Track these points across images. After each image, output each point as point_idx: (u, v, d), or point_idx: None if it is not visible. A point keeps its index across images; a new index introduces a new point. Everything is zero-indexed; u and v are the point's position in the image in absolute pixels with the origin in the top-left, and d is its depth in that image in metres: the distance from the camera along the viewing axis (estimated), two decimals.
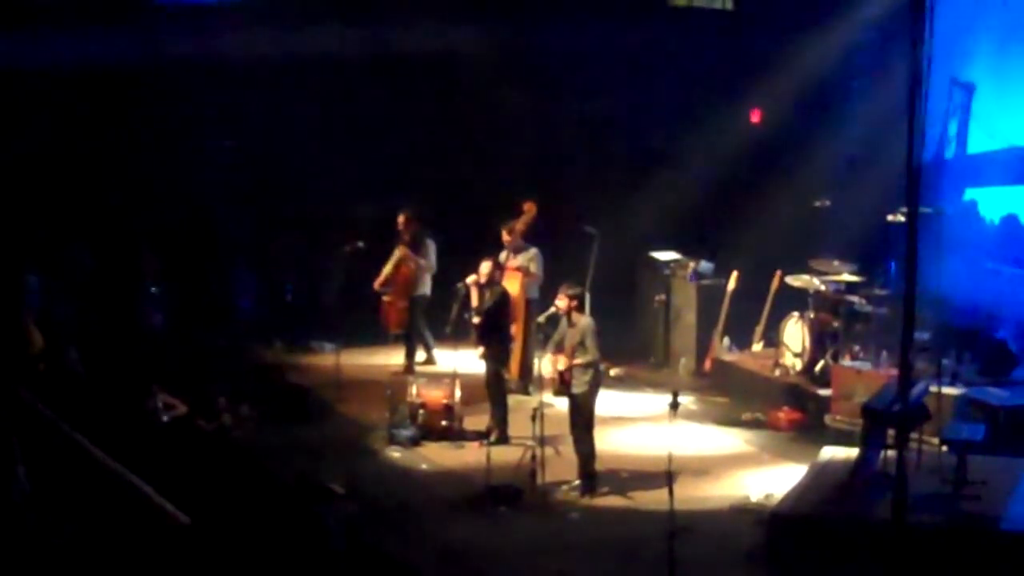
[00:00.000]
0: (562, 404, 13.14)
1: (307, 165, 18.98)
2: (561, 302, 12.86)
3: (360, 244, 16.53)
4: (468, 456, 13.76)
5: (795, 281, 16.16)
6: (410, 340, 16.90)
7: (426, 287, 16.82)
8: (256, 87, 18.29)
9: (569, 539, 11.68)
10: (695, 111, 19.05)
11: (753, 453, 14.26)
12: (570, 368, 12.65)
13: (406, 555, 11.12)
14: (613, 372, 16.57)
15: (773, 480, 12.82)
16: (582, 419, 12.76)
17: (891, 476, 9.97)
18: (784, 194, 18.10)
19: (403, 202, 17.06)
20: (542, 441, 12.55)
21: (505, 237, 16.04)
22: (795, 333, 15.95)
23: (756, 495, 12.47)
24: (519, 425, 13.69)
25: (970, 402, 13.61)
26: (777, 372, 16.11)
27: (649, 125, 19.38)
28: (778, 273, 16.57)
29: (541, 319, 13.52)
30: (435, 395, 14.41)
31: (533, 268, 16.00)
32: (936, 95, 15.66)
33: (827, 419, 14.67)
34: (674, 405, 10.91)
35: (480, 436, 14.15)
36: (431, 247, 16.84)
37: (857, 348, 15.44)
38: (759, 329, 16.99)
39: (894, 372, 11.50)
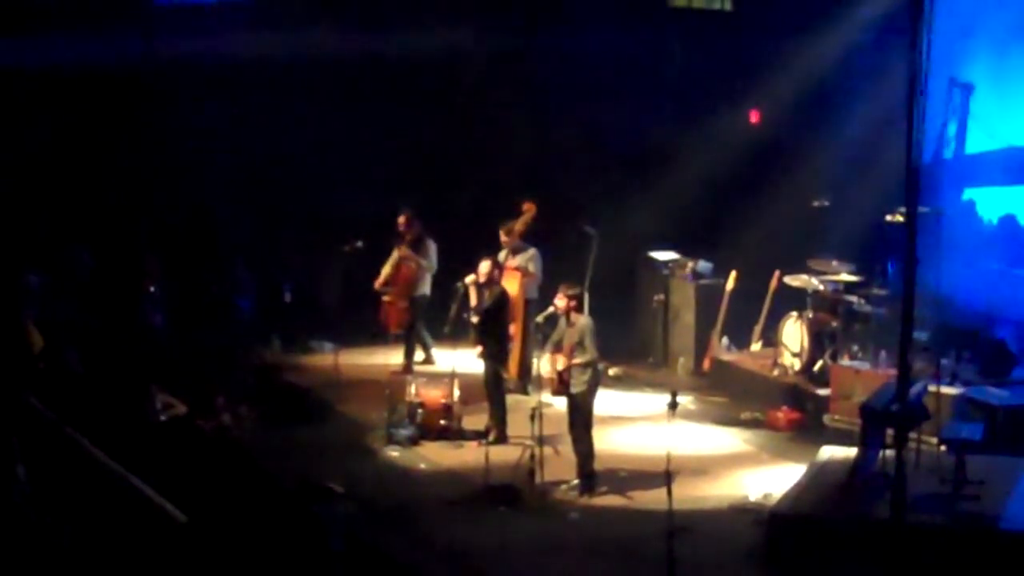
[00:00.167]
0: (561, 404, 13.14)
1: (306, 165, 18.99)
2: (560, 302, 12.87)
3: (359, 244, 16.54)
4: (467, 455, 13.76)
5: (794, 281, 16.17)
6: (409, 340, 16.91)
7: (426, 287, 16.83)
8: (256, 88, 18.29)
9: (568, 539, 11.68)
10: (694, 112, 19.05)
11: (752, 453, 14.27)
12: (569, 368, 12.66)
13: (405, 554, 11.14)
14: (612, 372, 16.59)
15: (772, 480, 12.83)
16: (581, 419, 12.77)
17: (890, 476, 9.99)
18: (783, 194, 18.10)
19: (402, 202, 17.07)
20: (541, 441, 12.56)
21: (504, 237, 16.05)
22: (794, 333, 15.96)
23: (755, 495, 12.48)
24: (518, 425, 13.70)
25: (969, 402, 13.62)
26: (776, 372, 16.12)
27: (648, 125, 19.38)
28: (777, 273, 16.58)
29: (540, 319, 13.52)
30: (434, 395, 14.41)
31: (532, 268, 16.00)
32: (935, 96, 15.66)
33: (826, 419, 14.69)
34: (673, 405, 10.92)
35: (479, 436, 14.15)
36: (432, 247, 16.85)
37: (856, 348, 15.46)
38: (758, 329, 17.00)
39: (893, 372, 11.50)
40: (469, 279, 14.65)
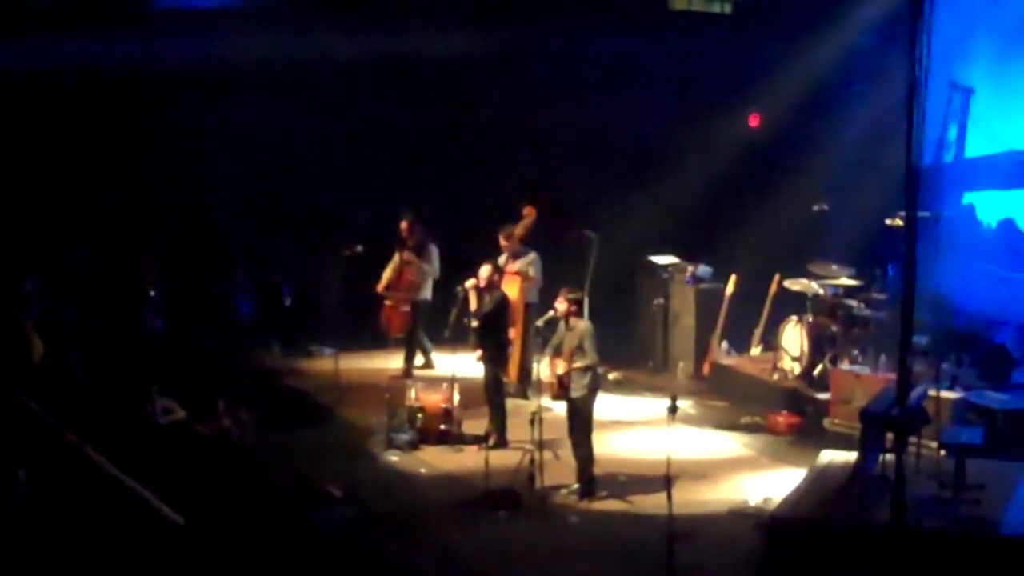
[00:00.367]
0: (561, 408, 13.14)
1: (306, 168, 18.98)
2: (560, 306, 12.87)
3: (359, 248, 16.55)
4: (467, 460, 13.74)
5: (794, 285, 16.17)
6: (410, 344, 16.92)
7: (428, 292, 16.84)
8: (255, 91, 18.28)
9: (568, 543, 11.67)
10: (694, 115, 19.06)
11: (752, 457, 14.26)
12: (569, 372, 12.66)
13: (404, 559, 11.12)
14: (612, 376, 16.59)
15: (772, 484, 12.82)
16: (581, 423, 12.76)
17: (890, 480, 10.00)
18: (783, 198, 18.11)
19: (403, 207, 17.08)
20: (541, 445, 12.54)
21: (504, 241, 16.05)
22: (794, 337, 15.96)
23: (755, 499, 12.47)
24: (518, 429, 13.70)
25: (969, 406, 13.61)
26: (776, 376, 16.11)
27: (648, 129, 19.37)
28: (777, 277, 16.58)
29: (540, 323, 13.52)
30: (434, 399, 14.40)
31: (532, 272, 16.01)
32: (935, 99, 15.66)
33: (826, 423, 14.68)
34: (673, 409, 10.91)
35: (479, 440, 14.15)
36: (434, 252, 16.87)
37: (856, 352, 15.45)
38: (757, 333, 17.00)
39: (893, 376, 11.49)
40: (469, 283, 14.65)
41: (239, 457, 12.61)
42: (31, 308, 14.43)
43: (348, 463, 13.54)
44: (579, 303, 13.14)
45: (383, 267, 16.95)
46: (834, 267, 15.92)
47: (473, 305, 14.63)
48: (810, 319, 15.79)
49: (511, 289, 15.46)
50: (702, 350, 17.34)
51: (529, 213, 16.24)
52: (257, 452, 13.29)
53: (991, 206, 17.94)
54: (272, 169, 18.93)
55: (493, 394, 14.31)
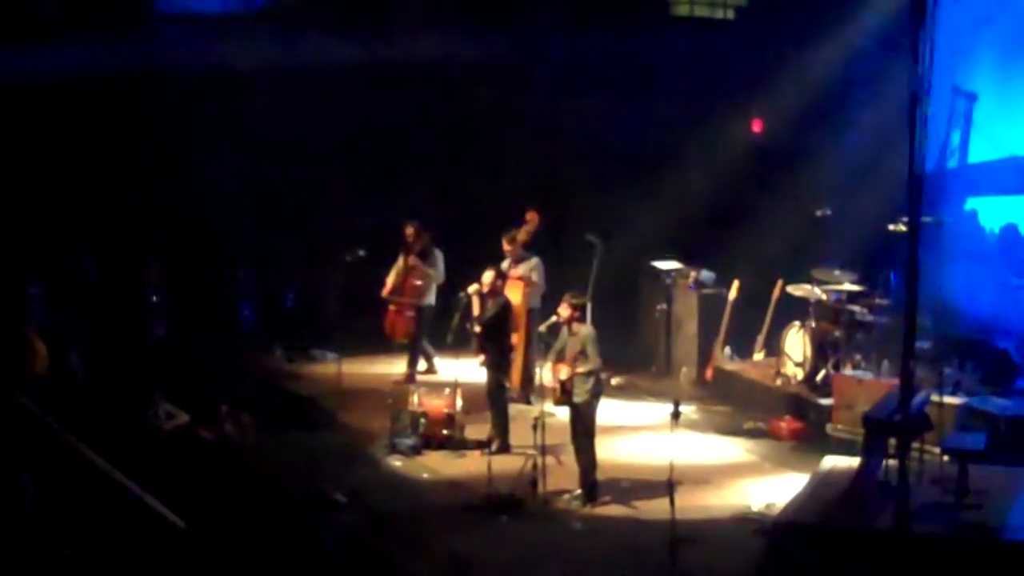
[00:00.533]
0: (563, 413, 13.13)
1: (309, 173, 18.99)
2: (563, 311, 12.86)
3: (361, 252, 16.55)
4: (469, 465, 13.74)
5: (796, 290, 16.16)
6: (413, 349, 16.91)
7: (432, 297, 16.85)
8: (258, 96, 18.30)
9: (570, 548, 11.66)
10: (696, 120, 19.05)
11: (754, 462, 14.25)
12: (571, 377, 12.64)
13: (407, 564, 11.12)
14: (614, 381, 16.57)
15: (774, 489, 12.81)
16: (583, 428, 12.75)
17: (893, 486, 10.00)
18: (785, 203, 18.09)
19: (404, 211, 17.09)
20: (543, 450, 12.55)
21: (506, 246, 16.04)
22: (796, 342, 15.95)
23: (757, 504, 12.46)
24: (520, 434, 13.67)
25: (972, 412, 13.61)
26: (778, 381, 16.10)
27: (651, 134, 19.38)
28: (779, 282, 16.56)
29: (543, 328, 13.51)
30: (436, 404, 14.39)
31: (535, 277, 16.00)
32: (938, 105, 15.67)
33: (828, 428, 14.66)
34: (675, 414, 10.92)
35: (481, 445, 14.13)
36: (439, 258, 16.87)
37: (858, 357, 15.45)
38: (760, 338, 16.98)
39: (895, 381, 11.49)
40: (472, 289, 14.64)
41: (241, 462, 12.63)
42: (34, 313, 14.45)
43: (350, 468, 13.54)
44: (582, 308, 13.15)
45: (386, 272, 16.95)
46: (837, 272, 15.90)
47: (476, 310, 14.63)
48: (813, 324, 15.78)
49: (514, 294, 15.45)
50: (705, 355, 17.32)
51: (532, 218, 16.23)
52: (259, 457, 13.29)
53: (994, 212, 17.93)
54: (275, 173, 18.95)
55: (496, 399, 14.31)
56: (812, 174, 18.28)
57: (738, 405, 16.14)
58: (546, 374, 13.26)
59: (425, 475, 13.64)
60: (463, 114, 19.43)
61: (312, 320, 18.79)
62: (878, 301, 15.67)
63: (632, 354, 18.07)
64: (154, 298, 17.08)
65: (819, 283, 15.97)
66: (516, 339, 15.40)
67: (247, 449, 13.69)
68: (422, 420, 14.26)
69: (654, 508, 11.99)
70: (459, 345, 14.55)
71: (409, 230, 16.86)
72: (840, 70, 18.43)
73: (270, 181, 18.93)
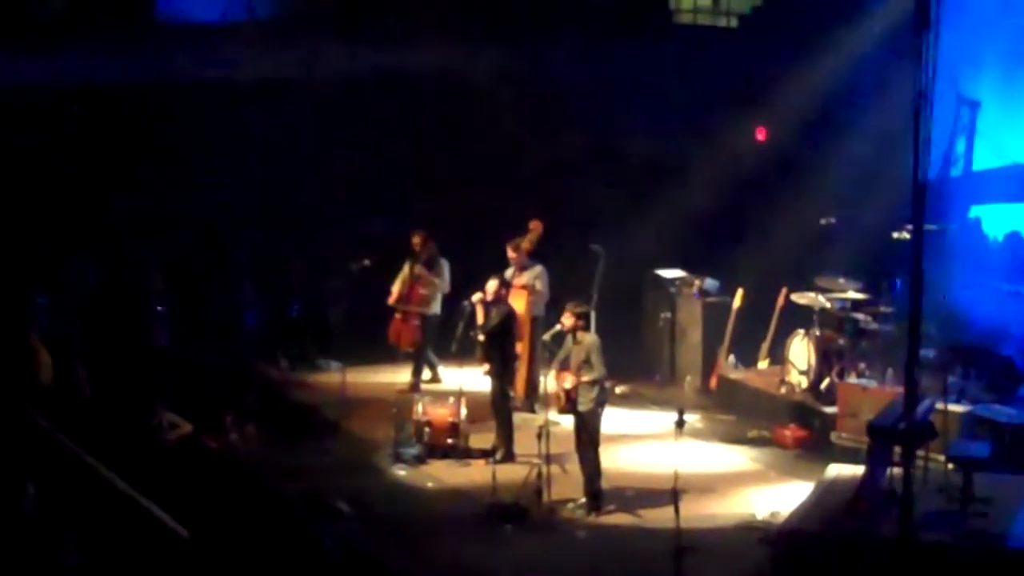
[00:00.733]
0: (568, 422, 13.15)
1: (314, 181, 19.00)
2: (567, 320, 12.85)
3: (366, 262, 16.57)
4: (474, 474, 13.73)
5: (801, 298, 16.15)
6: (418, 358, 16.92)
7: (437, 306, 16.85)
8: (262, 105, 18.31)
9: (575, 557, 11.66)
10: (700, 129, 19.05)
11: (759, 471, 14.24)
12: (576, 386, 12.64)
13: (411, 573, 11.12)
14: (618, 390, 16.57)
15: (779, 498, 12.81)
16: (588, 437, 12.75)
17: (897, 494, 9.97)
18: (789, 211, 18.11)
19: (409, 220, 17.10)
20: (548, 459, 12.56)
21: (511, 255, 16.04)
22: (801, 350, 15.94)
23: (762, 513, 12.46)
24: (525, 443, 13.67)
25: (976, 419, 13.59)
26: (783, 390, 16.08)
27: (654, 143, 19.36)
28: (784, 290, 16.57)
29: (547, 337, 13.51)
30: (441, 413, 14.38)
31: (538, 286, 15.99)
32: (942, 112, 15.66)
33: (833, 436, 14.63)
34: (680, 423, 10.91)
35: (486, 454, 14.11)
36: (445, 267, 16.88)
37: (863, 365, 15.43)
38: (764, 346, 16.97)
39: (900, 389, 11.47)
40: (476, 297, 14.64)
41: (245, 471, 12.62)
42: (38, 323, 14.45)
43: (355, 477, 13.53)
44: (586, 317, 13.13)
45: (391, 281, 16.96)
46: (841, 280, 15.89)
47: (480, 319, 14.63)
48: (817, 332, 15.77)
49: (518, 303, 15.45)
50: (709, 364, 17.32)
51: (536, 227, 16.22)
52: (263, 466, 13.30)
53: (998, 219, 17.94)
54: (280, 181, 18.95)
55: (500, 408, 14.30)
56: (816, 182, 18.29)
57: (742, 413, 16.14)
58: (550, 383, 13.27)
59: (429, 484, 13.64)
60: (468, 123, 19.42)
61: (317, 329, 18.78)
62: (882, 309, 15.66)
63: (636, 362, 18.05)
64: (158, 307, 17.08)
65: (823, 291, 15.96)
66: (520, 348, 15.41)
67: (251, 458, 13.70)
68: (426, 429, 14.25)
69: (659, 517, 12.00)
70: (463, 354, 14.54)
71: (416, 238, 16.88)
72: (843, 78, 18.44)
73: (274, 189, 18.93)
